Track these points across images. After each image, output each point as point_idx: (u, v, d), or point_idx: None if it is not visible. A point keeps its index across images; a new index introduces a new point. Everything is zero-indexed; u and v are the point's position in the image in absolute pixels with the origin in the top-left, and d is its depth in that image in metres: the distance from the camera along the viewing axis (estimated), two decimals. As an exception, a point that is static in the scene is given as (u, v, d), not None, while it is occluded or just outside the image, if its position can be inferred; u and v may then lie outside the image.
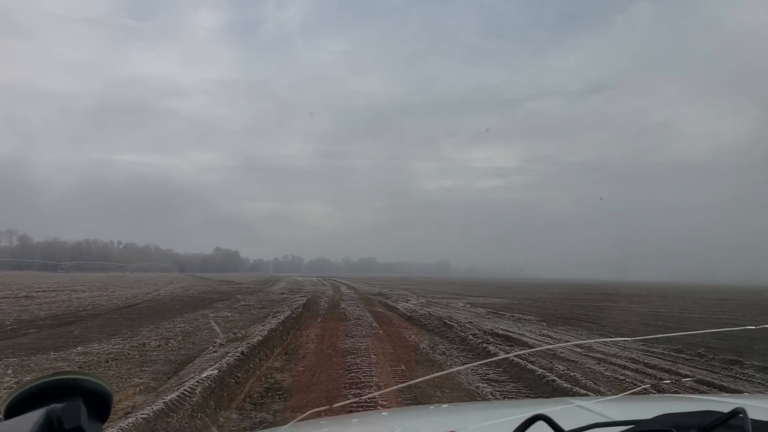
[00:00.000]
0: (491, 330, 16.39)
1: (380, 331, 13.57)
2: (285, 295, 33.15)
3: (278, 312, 17.79)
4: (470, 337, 12.03)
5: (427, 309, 23.58)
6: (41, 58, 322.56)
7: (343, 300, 29.21)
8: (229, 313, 19.24)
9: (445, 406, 2.57)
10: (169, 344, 11.36)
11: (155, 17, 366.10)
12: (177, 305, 22.93)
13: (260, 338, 10.05)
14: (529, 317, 24.00)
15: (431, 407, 2.44)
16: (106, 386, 1.00)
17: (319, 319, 17.31)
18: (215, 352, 8.91)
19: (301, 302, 24.37)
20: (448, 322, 15.45)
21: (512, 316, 24.11)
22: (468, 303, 32.01)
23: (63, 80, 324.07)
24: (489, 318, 22.64)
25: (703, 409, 1.22)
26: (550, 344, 13.31)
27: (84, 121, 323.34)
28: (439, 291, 51.56)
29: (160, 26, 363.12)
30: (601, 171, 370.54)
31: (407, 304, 26.36)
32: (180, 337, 12.61)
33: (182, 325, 15.06)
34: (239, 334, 11.00)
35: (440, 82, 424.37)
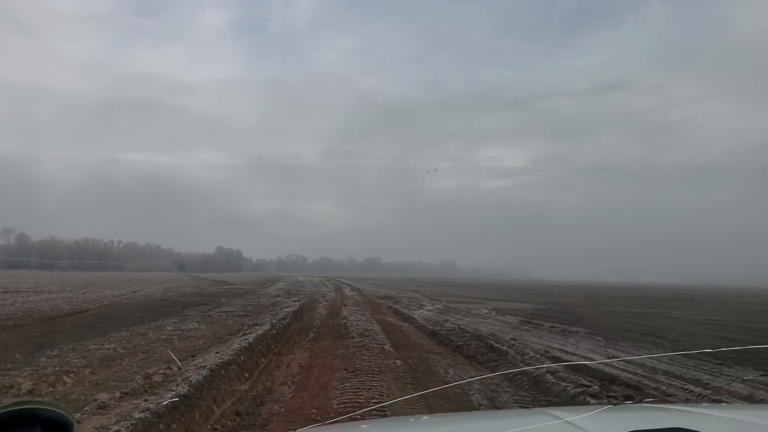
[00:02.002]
0: (546, 351, 11.84)
1: (398, 362, 8.94)
2: (278, 299, 28.59)
3: (258, 324, 13.21)
4: (549, 379, 7.35)
5: (449, 318, 18.94)
6: (47, 55, 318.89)
7: (345, 305, 24.58)
8: (195, 324, 14.68)
9: (425, 417, 2.57)
10: (51, 389, 6.81)
11: (161, 15, 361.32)
12: (137, 312, 18.39)
13: (188, 388, 5.45)
14: (574, 329, 19.47)
15: (411, 419, 2.30)
16: (67, 415, 1.06)
17: (311, 335, 12.71)
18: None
19: (293, 308, 19.80)
20: (494, 344, 10.81)
21: (553, 327, 19.60)
22: (492, 309, 27.41)
23: (69, 78, 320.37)
24: (528, 331, 18.14)
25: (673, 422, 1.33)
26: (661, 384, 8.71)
27: (89, 119, 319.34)
28: (452, 294, 46.87)
29: (167, 24, 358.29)
30: (611, 171, 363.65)
31: (423, 312, 21.76)
32: (86, 370, 8.05)
33: (112, 346, 10.51)
34: (155, 379, 6.33)
35: (449, 81, 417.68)
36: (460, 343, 11.34)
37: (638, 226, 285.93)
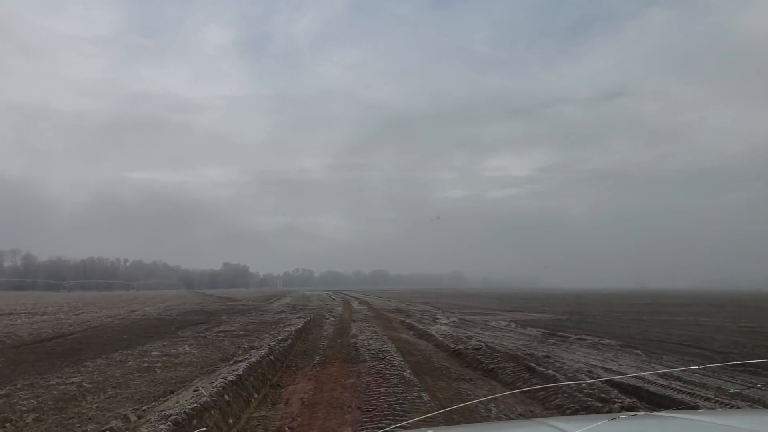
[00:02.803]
0: (590, 371, 10.06)
1: (424, 396, 7.16)
2: (283, 315, 26.86)
3: (255, 348, 11.46)
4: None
5: (469, 333, 17.16)
6: (53, 77, 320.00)
7: (354, 321, 22.79)
8: (186, 348, 12.96)
9: (429, 431, 2.82)
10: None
11: (165, 34, 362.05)
12: (126, 335, 16.68)
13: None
14: (606, 341, 17.74)
15: None
16: None
17: (317, 359, 10.95)
18: None
19: (297, 326, 18.05)
20: (534, 366, 9.02)
21: (581, 340, 17.86)
22: (511, 321, 25.56)
23: (74, 99, 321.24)
24: (557, 345, 16.37)
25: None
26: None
27: (95, 139, 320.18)
28: (463, 305, 44.93)
29: (170, 43, 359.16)
30: (616, 178, 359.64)
31: (439, 326, 19.93)
32: (30, 417, 6.34)
33: (79, 380, 8.79)
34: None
35: (452, 92, 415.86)
36: (492, 365, 9.54)
37: (645, 232, 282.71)
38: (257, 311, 30.91)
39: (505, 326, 23.17)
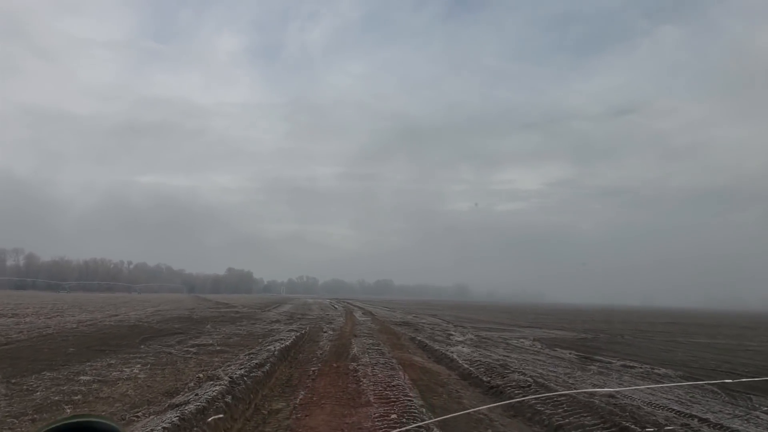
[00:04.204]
0: (686, 424, 6.92)
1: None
2: (276, 326, 23.70)
3: (213, 378, 8.30)
4: None
5: (497, 358, 13.90)
6: (66, 80, 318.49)
7: (356, 335, 19.54)
8: (135, 369, 9.83)
9: None
10: None
11: (178, 40, 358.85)
12: (75, 346, 13.54)
13: None
14: (660, 370, 14.68)
15: None
16: (118, 428, 1.21)
17: (300, 397, 7.77)
18: None
19: (287, 342, 14.89)
20: (635, 428, 5.81)
21: (629, 368, 14.84)
22: (534, 340, 22.31)
23: (86, 102, 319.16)
24: (604, 374, 13.37)
25: None
26: None
27: (107, 142, 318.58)
28: (474, 319, 41.63)
29: (184, 49, 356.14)
30: (625, 194, 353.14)
31: (458, 347, 16.66)
32: None
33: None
34: None
35: (463, 105, 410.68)
36: (558, 419, 6.32)
37: (652, 248, 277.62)
38: (249, 320, 27.74)
39: (530, 346, 19.98)
